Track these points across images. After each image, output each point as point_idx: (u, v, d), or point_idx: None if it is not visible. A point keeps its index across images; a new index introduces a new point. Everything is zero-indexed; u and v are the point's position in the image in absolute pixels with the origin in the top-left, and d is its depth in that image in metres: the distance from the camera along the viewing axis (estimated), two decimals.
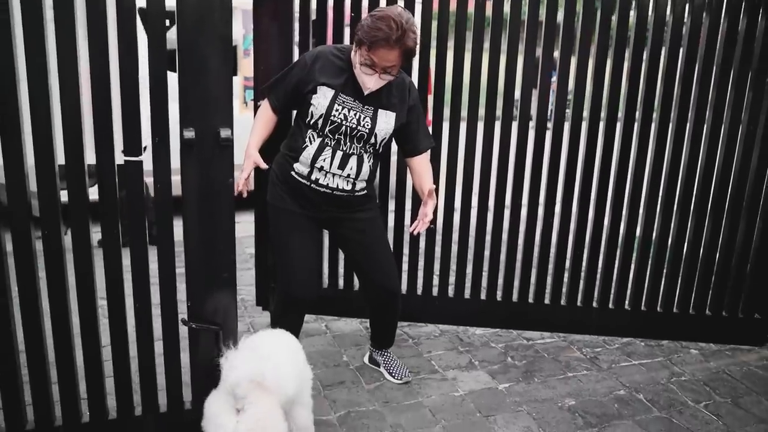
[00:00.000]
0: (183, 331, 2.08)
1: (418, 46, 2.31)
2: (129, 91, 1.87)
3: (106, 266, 1.97)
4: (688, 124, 2.90)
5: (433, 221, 3.04)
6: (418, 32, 2.32)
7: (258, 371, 1.81)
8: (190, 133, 1.88)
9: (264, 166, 2.37)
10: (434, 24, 2.88)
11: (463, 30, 2.84)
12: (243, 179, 2.35)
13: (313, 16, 2.91)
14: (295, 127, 2.43)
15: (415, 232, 2.44)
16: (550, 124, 2.96)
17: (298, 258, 2.44)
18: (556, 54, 2.89)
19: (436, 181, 2.96)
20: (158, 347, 2.10)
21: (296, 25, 2.92)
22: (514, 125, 2.93)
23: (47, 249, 1.89)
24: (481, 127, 2.94)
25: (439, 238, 3.11)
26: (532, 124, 2.97)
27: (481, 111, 2.94)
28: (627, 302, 3.16)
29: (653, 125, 2.92)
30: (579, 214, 3.04)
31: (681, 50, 2.82)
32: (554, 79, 2.91)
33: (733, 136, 2.91)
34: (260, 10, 2.86)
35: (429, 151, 2.58)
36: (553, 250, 3.11)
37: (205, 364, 2.08)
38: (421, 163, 2.52)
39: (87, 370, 2.04)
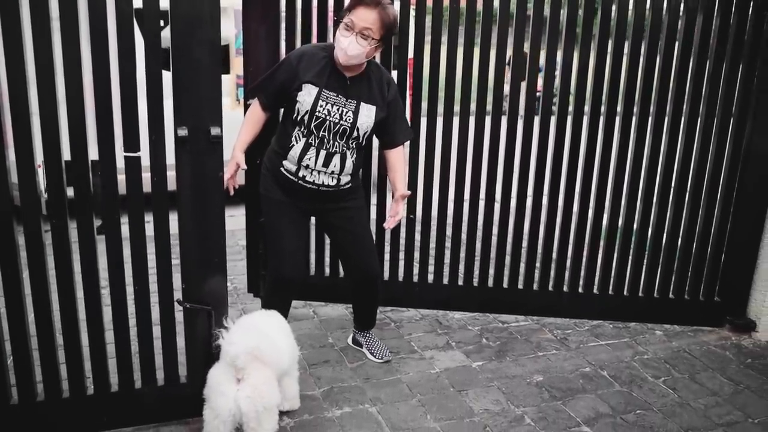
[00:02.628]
0: (179, 314, 2.28)
1: (396, 24, 2.48)
2: (128, 92, 2.06)
3: (108, 255, 2.17)
4: (650, 118, 3.10)
5: (413, 212, 3.27)
6: (396, 15, 2.48)
7: (256, 345, 2.04)
8: (183, 131, 2.08)
9: (244, 167, 2.57)
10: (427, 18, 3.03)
11: (456, 24, 3.02)
12: (227, 178, 2.55)
13: (299, 17, 3.09)
14: (282, 125, 2.62)
15: (388, 228, 2.68)
16: (527, 118, 3.14)
17: (287, 243, 2.64)
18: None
19: (415, 171, 3.18)
20: (156, 331, 2.30)
21: (283, 26, 3.10)
22: (488, 118, 3.13)
23: (55, 240, 2.09)
24: (457, 121, 3.13)
25: (418, 227, 3.31)
26: (504, 118, 3.16)
27: (458, 106, 3.12)
28: (596, 287, 3.36)
29: (618, 118, 3.12)
30: (549, 204, 3.24)
31: (660, 43, 3.00)
32: (541, 73, 3.10)
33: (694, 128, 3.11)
34: (249, 10, 3.03)
35: (406, 145, 2.78)
36: (525, 238, 3.31)
37: (198, 341, 2.27)
38: (397, 156, 2.71)
39: (91, 349, 2.24)
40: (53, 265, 2.11)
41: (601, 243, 3.31)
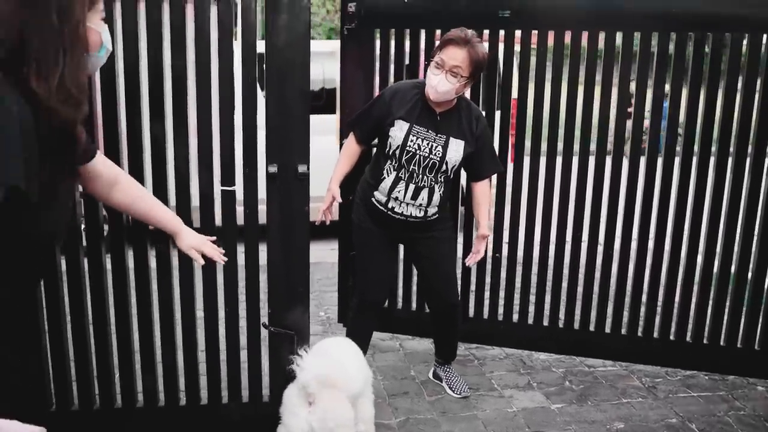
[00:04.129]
0: (264, 336, 2.46)
1: (485, 61, 2.58)
2: (226, 132, 2.30)
3: (204, 282, 2.40)
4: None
5: (499, 250, 3.31)
6: (486, 52, 2.58)
7: (325, 372, 2.16)
8: (273, 168, 2.28)
9: (339, 200, 2.74)
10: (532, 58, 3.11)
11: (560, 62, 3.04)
12: (323, 210, 2.75)
13: (392, 60, 3.27)
14: (375, 157, 2.79)
15: (468, 265, 2.78)
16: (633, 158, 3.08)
17: (373, 268, 2.82)
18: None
19: (502, 208, 3.23)
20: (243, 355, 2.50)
21: (377, 66, 3.29)
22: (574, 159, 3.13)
23: (159, 266, 2.35)
24: (556, 161, 3.16)
25: (504, 263, 3.34)
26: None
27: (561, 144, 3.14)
28: (689, 334, 3.22)
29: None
30: (639, 246, 3.17)
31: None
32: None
33: None
34: (346, 54, 3.27)
35: (492, 178, 2.89)
36: (613, 280, 3.25)
37: (281, 364, 2.44)
38: (482, 189, 2.80)
39: (185, 365, 2.47)
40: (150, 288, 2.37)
41: (695, 288, 3.18)
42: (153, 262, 2.37)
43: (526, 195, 3.24)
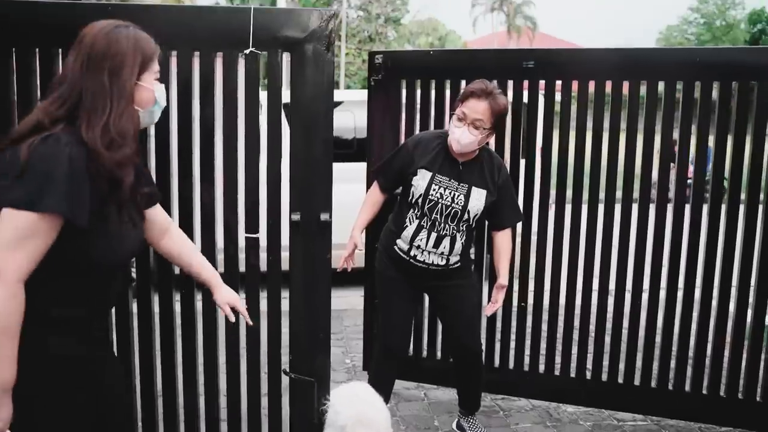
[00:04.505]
0: (285, 384, 2.48)
1: (506, 112, 2.62)
2: (251, 182, 2.36)
3: (227, 327, 2.43)
4: None
5: (525, 300, 3.29)
6: (507, 104, 2.63)
7: (363, 412, 2.18)
8: (296, 216, 2.33)
9: (361, 249, 2.77)
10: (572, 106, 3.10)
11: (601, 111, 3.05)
12: (344, 257, 2.78)
13: (418, 110, 3.32)
14: (398, 205, 2.83)
15: (487, 315, 2.77)
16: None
17: (395, 315, 2.82)
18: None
19: (528, 256, 3.21)
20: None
21: (403, 116, 3.35)
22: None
23: (183, 312, 2.42)
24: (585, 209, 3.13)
25: (530, 312, 3.30)
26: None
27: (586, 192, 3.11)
28: (723, 389, 3.12)
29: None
30: (668, 296, 3.10)
31: None
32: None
33: None
34: (373, 104, 3.34)
35: (514, 228, 2.89)
36: (641, 332, 3.17)
37: (302, 410, 2.44)
38: (504, 239, 2.80)
39: (206, 411, 2.49)
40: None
41: (727, 340, 3.09)
42: (177, 307, 2.41)
43: (552, 243, 3.22)
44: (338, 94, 4.10)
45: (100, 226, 1.48)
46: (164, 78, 2.23)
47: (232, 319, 1.97)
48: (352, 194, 3.54)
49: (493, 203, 2.71)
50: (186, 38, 2.26)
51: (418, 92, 3.31)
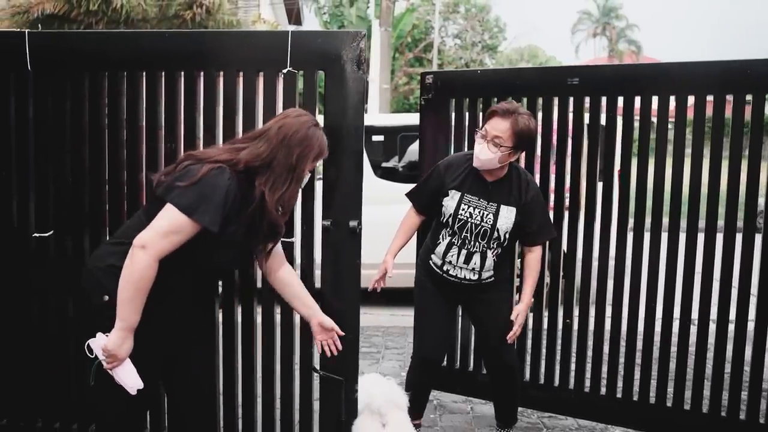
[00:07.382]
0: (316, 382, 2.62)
1: (530, 132, 2.67)
2: None
3: (263, 327, 2.63)
4: None
5: (570, 317, 3.27)
6: (531, 124, 2.68)
7: (395, 394, 2.46)
8: (327, 222, 2.48)
9: (390, 275, 2.87)
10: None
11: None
12: (375, 279, 2.90)
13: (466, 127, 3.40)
14: (435, 223, 2.93)
15: (509, 341, 2.77)
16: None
17: (429, 325, 2.91)
18: None
19: (573, 275, 3.19)
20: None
21: (453, 134, 3.44)
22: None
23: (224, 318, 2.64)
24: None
25: (575, 330, 3.27)
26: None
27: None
28: None
29: None
30: (719, 319, 2.99)
31: None
32: None
33: None
34: (424, 123, 3.47)
35: (543, 245, 2.91)
36: (692, 358, 3.06)
37: (331, 407, 2.57)
38: (533, 256, 2.83)
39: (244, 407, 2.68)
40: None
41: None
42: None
43: (597, 266, 3.19)
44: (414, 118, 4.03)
45: (223, 240, 1.99)
46: (212, 96, 2.51)
47: (319, 349, 2.38)
48: None
49: (522, 220, 2.75)
50: (231, 60, 2.49)
51: (467, 110, 3.40)
